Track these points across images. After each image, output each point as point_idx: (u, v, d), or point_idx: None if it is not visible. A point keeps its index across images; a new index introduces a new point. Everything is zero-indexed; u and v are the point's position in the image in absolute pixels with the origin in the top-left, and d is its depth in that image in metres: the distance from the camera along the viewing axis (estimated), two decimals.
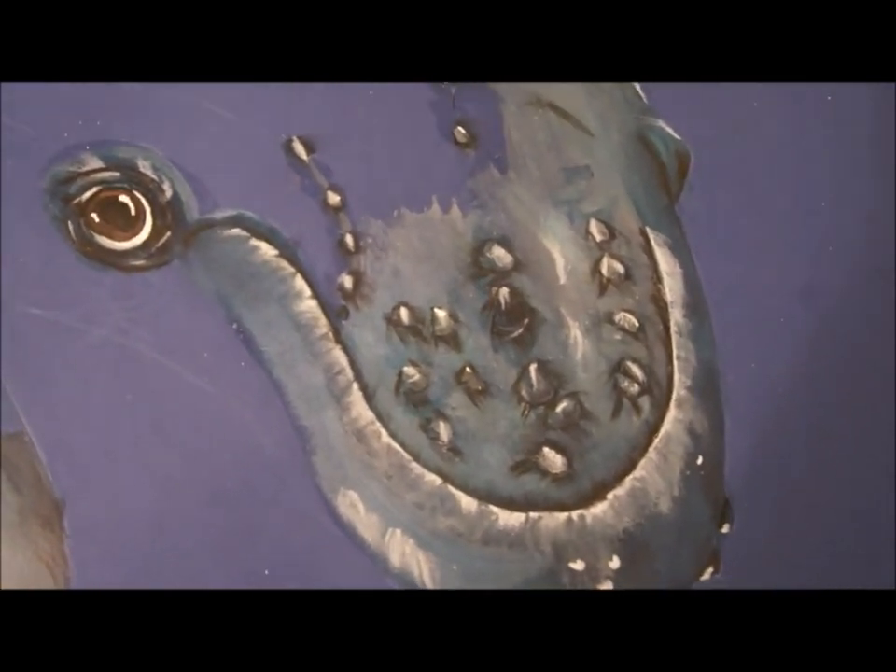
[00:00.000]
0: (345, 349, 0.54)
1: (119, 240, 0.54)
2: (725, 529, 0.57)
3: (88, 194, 0.54)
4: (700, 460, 0.56)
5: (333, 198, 0.55)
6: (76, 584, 0.51)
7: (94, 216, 0.54)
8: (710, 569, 0.56)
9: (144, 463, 0.53)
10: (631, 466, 0.55)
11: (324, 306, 0.54)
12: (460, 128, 0.57)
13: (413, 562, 0.54)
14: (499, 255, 0.55)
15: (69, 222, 0.54)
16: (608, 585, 0.54)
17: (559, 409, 0.54)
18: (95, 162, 0.54)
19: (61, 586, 0.51)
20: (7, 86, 0.53)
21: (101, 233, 0.54)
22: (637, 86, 0.60)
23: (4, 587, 0.50)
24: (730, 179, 0.60)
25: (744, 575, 0.56)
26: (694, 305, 0.58)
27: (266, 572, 0.53)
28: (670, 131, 0.60)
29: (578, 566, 0.54)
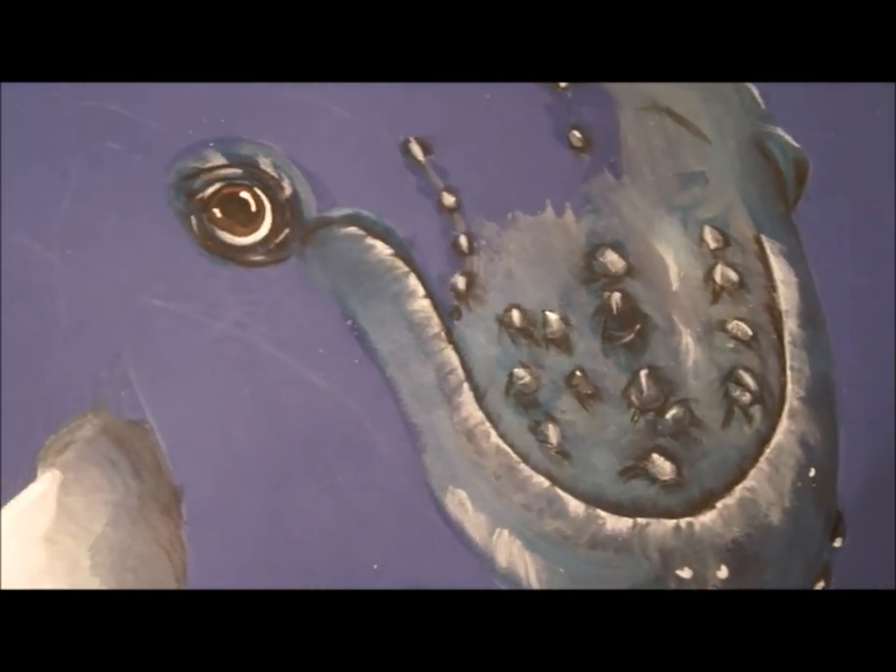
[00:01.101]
0: (457, 349, 0.55)
1: (240, 235, 0.55)
2: (838, 543, 0.56)
3: (210, 190, 0.55)
4: (812, 472, 0.55)
5: (448, 199, 0.55)
6: (192, 570, 0.52)
7: (216, 211, 0.55)
8: (821, 583, 0.55)
9: (259, 454, 0.54)
10: (741, 475, 0.54)
11: (437, 306, 0.55)
12: (576, 132, 0.57)
13: (519, 563, 0.54)
14: (612, 260, 0.55)
15: (192, 217, 0.55)
16: None
17: (669, 415, 0.54)
18: (218, 159, 0.55)
19: (178, 572, 0.52)
20: (136, 85, 0.55)
21: (222, 228, 0.55)
22: (756, 92, 0.60)
23: (123, 571, 0.52)
24: (849, 188, 0.60)
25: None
26: (810, 315, 0.57)
27: (375, 566, 0.53)
28: (789, 138, 0.59)
29: (685, 573, 0.53)
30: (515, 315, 0.55)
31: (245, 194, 0.55)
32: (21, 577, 0.51)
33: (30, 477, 0.53)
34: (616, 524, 0.53)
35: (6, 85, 0.55)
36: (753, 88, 0.60)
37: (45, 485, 0.52)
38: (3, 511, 0.52)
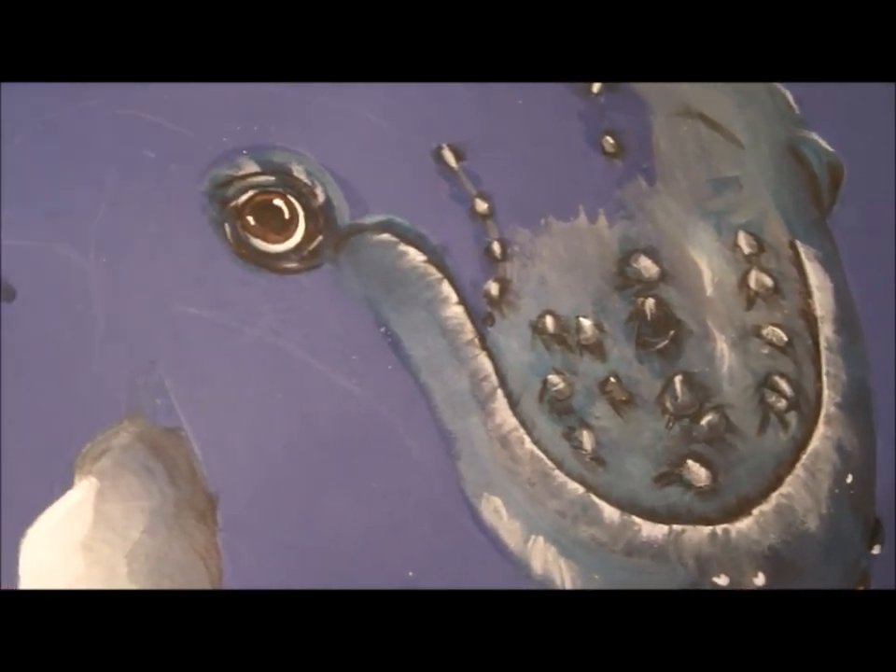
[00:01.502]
0: (490, 355, 0.55)
1: (273, 243, 0.55)
2: (876, 550, 0.55)
3: (244, 197, 0.55)
4: (849, 479, 0.54)
5: (481, 205, 0.55)
6: (228, 577, 0.52)
7: (250, 218, 0.55)
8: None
9: (293, 461, 0.54)
10: (777, 482, 0.54)
11: (470, 312, 0.55)
12: (608, 137, 0.57)
13: (554, 570, 0.54)
14: (646, 265, 0.55)
15: (226, 224, 0.56)
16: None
17: (704, 422, 0.54)
18: (252, 167, 0.55)
19: (214, 579, 0.52)
20: (172, 94, 0.55)
21: (256, 236, 0.55)
22: (790, 96, 0.59)
23: (160, 578, 0.52)
24: (884, 192, 0.59)
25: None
26: (846, 320, 0.57)
27: (410, 573, 0.53)
28: (823, 143, 0.59)
29: (721, 580, 0.53)
30: (549, 321, 0.55)
31: (278, 201, 0.55)
32: (59, 584, 0.51)
33: (67, 484, 0.53)
34: (651, 530, 0.53)
35: (41, 93, 0.55)
36: (787, 92, 0.59)
37: (82, 493, 0.53)
38: (41, 518, 0.52)
